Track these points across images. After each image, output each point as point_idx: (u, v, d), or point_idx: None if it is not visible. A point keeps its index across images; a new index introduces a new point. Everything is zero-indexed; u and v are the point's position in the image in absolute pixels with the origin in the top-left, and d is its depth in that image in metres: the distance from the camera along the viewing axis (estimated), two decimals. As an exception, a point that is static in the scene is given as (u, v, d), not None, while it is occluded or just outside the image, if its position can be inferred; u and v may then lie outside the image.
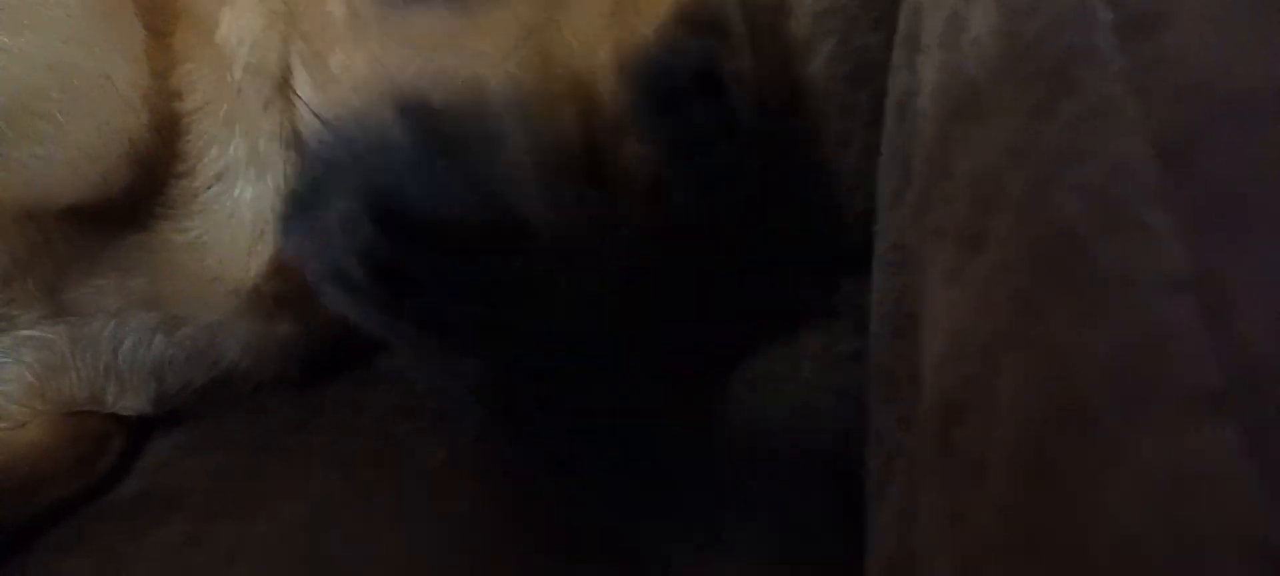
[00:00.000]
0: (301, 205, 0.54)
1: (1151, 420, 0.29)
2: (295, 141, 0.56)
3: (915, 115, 0.51)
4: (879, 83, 0.60)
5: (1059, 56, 0.39)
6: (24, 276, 0.58)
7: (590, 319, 0.53)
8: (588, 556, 0.57)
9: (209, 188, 0.58)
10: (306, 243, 0.52)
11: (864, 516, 0.48)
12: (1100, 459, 0.29)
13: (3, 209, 0.56)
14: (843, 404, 0.66)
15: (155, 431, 0.66)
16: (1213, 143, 0.32)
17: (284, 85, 0.57)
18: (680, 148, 0.53)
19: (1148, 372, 0.30)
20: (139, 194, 0.58)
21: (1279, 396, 0.27)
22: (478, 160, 0.45)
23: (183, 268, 0.60)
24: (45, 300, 0.59)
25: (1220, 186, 0.31)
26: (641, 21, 0.52)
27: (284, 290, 0.60)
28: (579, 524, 0.59)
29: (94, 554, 0.58)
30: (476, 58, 0.48)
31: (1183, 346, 0.29)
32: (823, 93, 0.67)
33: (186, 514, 0.59)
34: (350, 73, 0.52)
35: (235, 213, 0.58)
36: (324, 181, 0.51)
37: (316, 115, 0.52)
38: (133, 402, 0.62)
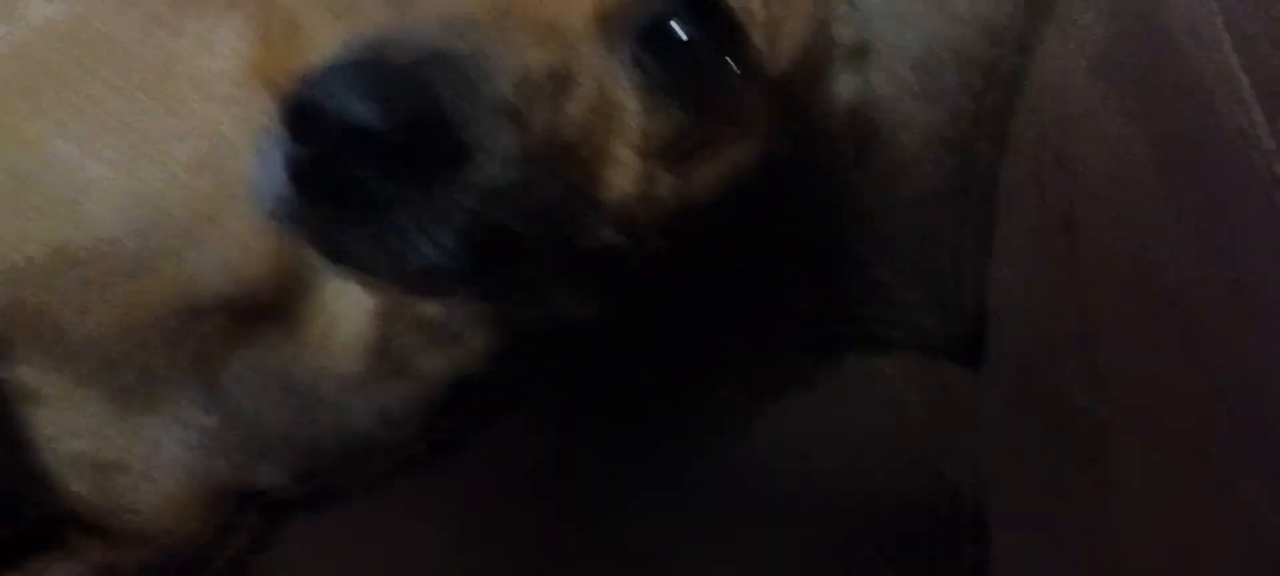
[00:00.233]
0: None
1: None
2: None
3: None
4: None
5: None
6: (181, 363, 0.60)
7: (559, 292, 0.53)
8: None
9: None
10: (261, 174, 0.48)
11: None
12: None
13: (166, 304, 0.59)
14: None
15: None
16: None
17: None
18: (674, 76, 0.51)
19: None
20: (282, 280, 0.61)
21: None
22: (419, 78, 0.42)
23: (316, 342, 0.62)
24: (198, 383, 0.61)
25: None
26: None
27: (389, 343, 0.62)
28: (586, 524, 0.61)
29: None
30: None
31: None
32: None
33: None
34: None
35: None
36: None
37: None
38: (277, 479, 0.65)
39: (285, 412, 0.63)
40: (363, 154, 0.41)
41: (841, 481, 0.72)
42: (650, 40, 0.51)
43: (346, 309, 0.62)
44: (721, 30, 0.53)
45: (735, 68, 0.53)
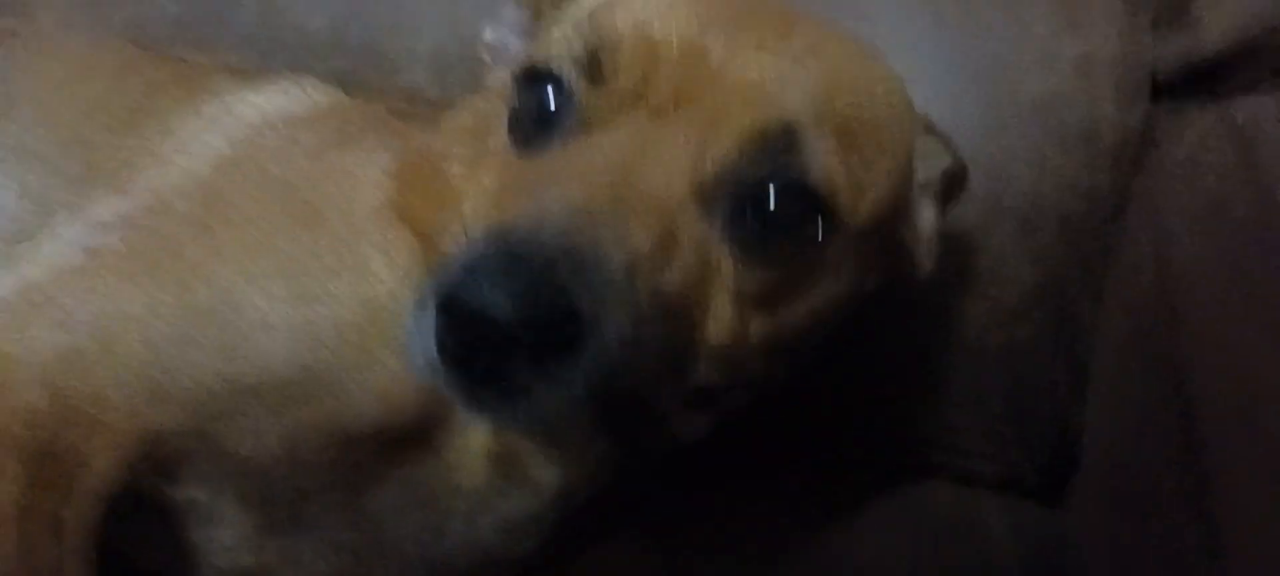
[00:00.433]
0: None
1: None
2: None
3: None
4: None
5: None
6: (332, 488, 0.64)
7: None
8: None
9: None
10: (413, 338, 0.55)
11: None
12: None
13: (323, 431, 0.62)
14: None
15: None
16: None
17: None
18: (763, 238, 0.57)
19: None
20: (426, 407, 0.64)
21: None
22: (550, 280, 0.49)
23: (450, 459, 0.66)
24: (347, 507, 0.65)
25: None
26: (718, 150, 0.57)
27: (510, 455, 0.66)
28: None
29: None
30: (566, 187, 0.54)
31: None
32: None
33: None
34: None
35: None
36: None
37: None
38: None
39: (419, 528, 0.67)
40: (500, 343, 0.49)
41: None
42: (741, 208, 0.57)
43: (475, 426, 0.66)
44: (806, 197, 0.58)
45: (820, 229, 0.58)
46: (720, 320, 0.58)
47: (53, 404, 0.57)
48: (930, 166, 0.67)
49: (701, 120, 0.56)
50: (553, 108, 0.60)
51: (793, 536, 0.78)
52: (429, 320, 0.51)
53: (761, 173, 0.56)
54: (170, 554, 0.63)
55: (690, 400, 0.63)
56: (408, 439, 0.65)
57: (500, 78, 0.71)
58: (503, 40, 0.73)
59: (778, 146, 0.56)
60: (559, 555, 0.74)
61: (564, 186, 0.54)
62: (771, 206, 0.57)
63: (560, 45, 0.60)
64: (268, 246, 0.64)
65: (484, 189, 0.63)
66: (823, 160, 0.57)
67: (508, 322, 0.48)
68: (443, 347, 0.51)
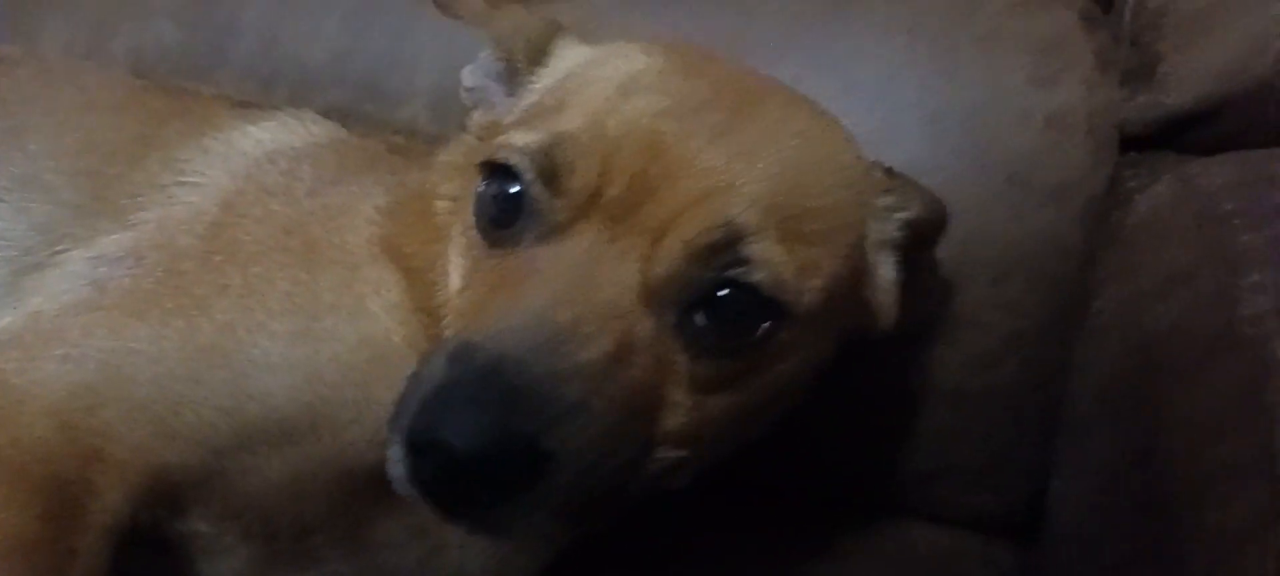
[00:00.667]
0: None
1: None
2: None
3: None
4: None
5: None
6: (333, 521, 0.66)
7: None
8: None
9: None
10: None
11: None
12: None
13: (325, 468, 0.64)
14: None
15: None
16: None
17: None
18: (713, 333, 0.59)
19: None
20: None
21: None
22: (502, 397, 0.53)
23: None
24: (348, 539, 0.67)
25: None
26: (668, 257, 0.58)
27: None
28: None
29: None
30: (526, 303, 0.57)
31: None
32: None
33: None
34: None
35: None
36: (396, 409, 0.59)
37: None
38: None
39: (418, 559, 0.69)
40: (465, 472, 0.53)
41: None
42: (692, 307, 0.59)
43: None
44: (753, 295, 0.59)
45: (767, 319, 0.60)
46: (678, 410, 0.60)
47: (62, 437, 0.58)
48: (888, 223, 0.67)
49: (652, 227, 0.58)
50: (513, 205, 0.61)
51: (773, 575, 0.80)
52: (402, 454, 0.55)
53: (708, 276, 0.58)
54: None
55: (658, 477, 0.64)
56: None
57: (480, 121, 0.73)
58: (482, 84, 0.75)
59: (723, 251, 0.58)
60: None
61: (524, 304, 0.57)
62: (719, 306, 0.59)
63: (521, 143, 0.61)
64: (270, 284, 0.66)
65: (455, 267, 0.66)
66: (769, 258, 0.59)
67: (470, 458, 0.52)
68: (416, 480, 0.55)
